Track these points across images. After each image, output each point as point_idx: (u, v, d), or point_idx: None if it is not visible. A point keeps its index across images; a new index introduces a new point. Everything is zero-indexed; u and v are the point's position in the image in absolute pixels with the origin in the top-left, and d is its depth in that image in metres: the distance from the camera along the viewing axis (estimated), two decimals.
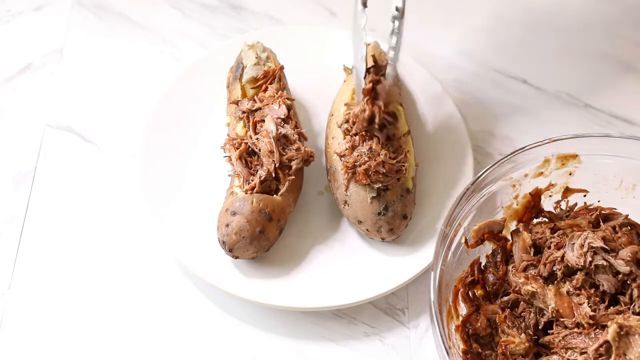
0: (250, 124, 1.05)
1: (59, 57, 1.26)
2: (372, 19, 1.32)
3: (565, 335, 0.88)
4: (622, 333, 0.82)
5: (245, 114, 1.06)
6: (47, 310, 1.01)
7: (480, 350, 0.91)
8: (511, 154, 0.97)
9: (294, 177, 1.02)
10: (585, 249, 0.90)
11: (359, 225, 1.03)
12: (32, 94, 1.21)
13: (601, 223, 0.98)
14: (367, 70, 1.00)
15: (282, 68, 1.10)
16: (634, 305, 0.89)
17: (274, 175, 1.00)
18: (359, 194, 1.01)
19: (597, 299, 0.90)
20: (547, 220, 1.02)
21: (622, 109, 1.24)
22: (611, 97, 1.25)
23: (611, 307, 0.89)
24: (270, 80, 1.09)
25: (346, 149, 1.01)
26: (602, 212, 1.00)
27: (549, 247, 0.95)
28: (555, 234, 0.97)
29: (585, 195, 1.02)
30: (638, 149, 0.97)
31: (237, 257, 1.00)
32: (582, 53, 1.30)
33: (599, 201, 1.02)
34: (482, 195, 0.97)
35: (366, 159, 0.99)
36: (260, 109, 1.06)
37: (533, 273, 0.94)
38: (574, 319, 0.88)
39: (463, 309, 0.94)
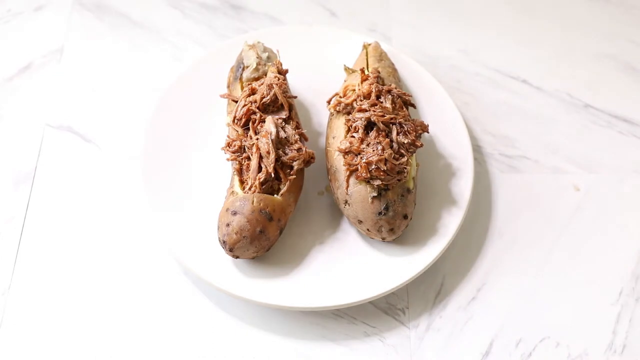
0: (251, 124, 1.05)
1: (59, 57, 1.26)
2: (371, 19, 1.33)
3: None
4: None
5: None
6: (47, 311, 1.01)
7: None
8: None
9: (295, 177, 1.02)
10: None
11: (359, 225, 1.03)
12: (32, 94, 1.21)
13: None
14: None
15: (286, 72, 1.10)
16: None
17: (273, 175, 1.00)
18: (360, 194, 1.01)
19: None
20: None
21: (622, 109, 1.24)
22: (611, 97, 1.25)
23: None
24: None
25: (350, 144, 1.01)
26: None
27: None
28: None
29: None
30: None
31: (237, 257, 1.00)
32: (582, 53, 1.31)
33: None
34: None
35: (370, 151, 1.00)
36: None
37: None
38: None
39: None
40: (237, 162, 1.03)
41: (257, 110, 1.05)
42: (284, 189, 1.01)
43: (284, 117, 1.05)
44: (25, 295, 1.02)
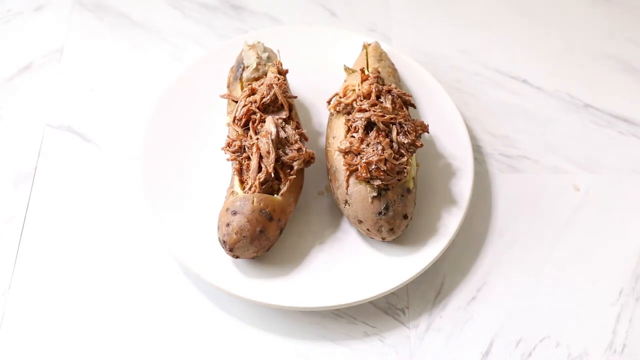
0: (251, 124, 1.05)
1: (59, 57, 1.26)
2: (371, 19, 1.33)
3: None
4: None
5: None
6: (47, 311, 1.01)
7: None
8: None
9: (295, 177, 1.02)
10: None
11: (359, 224, 1.03)
12: (32, 94, 1.21)
13: None
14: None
15: (286, 72, 1.10)
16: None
17: (273, 175, 1.00)
18: (360, 193, 1.01)
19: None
20: None
21: (622, 109, 1.24)
22: (611, 97, 1.25)
23: None
24: None
25: (350, 144, 1.02)
26: None
27: None
28: None
29: None
30: None
31: (237, 257, 1.00)
32: (582, 53, 1.31)
33: None
34: None
35: (370, 151, 1.00)
36: None
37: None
38: None
39: None
40: (237, 162, 1.03)
41: (257, 110, 1.05)
42: (284, 189, 1.01)
43: (284, 117, 1.05)
44: (25, 295, 1.02)
